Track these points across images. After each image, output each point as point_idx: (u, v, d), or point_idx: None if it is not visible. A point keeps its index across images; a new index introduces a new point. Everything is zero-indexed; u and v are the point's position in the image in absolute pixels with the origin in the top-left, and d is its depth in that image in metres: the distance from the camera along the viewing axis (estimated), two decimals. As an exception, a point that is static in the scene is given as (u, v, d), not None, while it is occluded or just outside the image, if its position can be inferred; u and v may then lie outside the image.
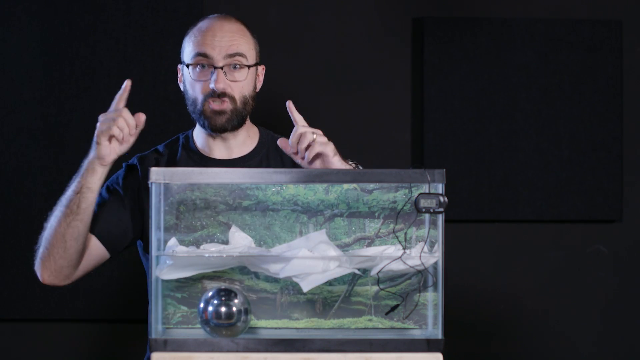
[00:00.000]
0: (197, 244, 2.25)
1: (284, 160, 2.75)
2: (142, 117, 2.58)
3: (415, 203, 2.12)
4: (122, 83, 3.83)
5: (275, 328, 2.25)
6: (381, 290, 2.24)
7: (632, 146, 3.98)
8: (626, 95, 3.97)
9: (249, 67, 2.67)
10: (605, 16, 3.95)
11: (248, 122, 2.78)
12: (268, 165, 2.74)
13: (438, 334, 2.18)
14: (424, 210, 2.12)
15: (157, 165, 2.82)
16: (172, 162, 2.79)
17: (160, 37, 3.84)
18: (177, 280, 2.24)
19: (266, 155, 2.76)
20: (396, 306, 2.23)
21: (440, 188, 2.15)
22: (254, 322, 2.24)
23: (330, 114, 3.86)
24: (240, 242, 2.24)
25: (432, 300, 2.23)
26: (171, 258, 2.22)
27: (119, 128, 2.57)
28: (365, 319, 2.26)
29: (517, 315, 3.94)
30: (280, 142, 2.57)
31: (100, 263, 2.76)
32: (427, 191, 2.14)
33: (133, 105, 3.85)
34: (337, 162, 2.50)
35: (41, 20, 3.80)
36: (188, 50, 2.72)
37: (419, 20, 3.91)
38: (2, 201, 3.79)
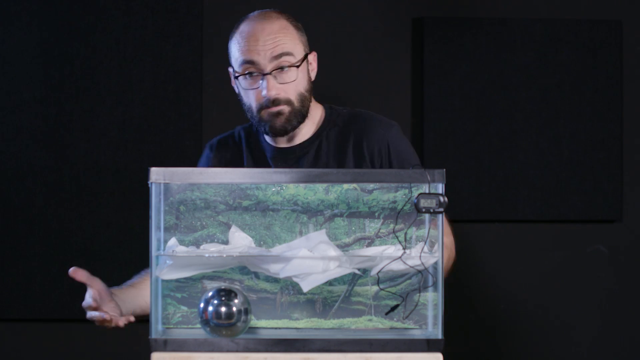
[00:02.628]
0: (197, 244, 2.25)
1: (338, 136, 2.70)
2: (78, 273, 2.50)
3: (415, 203, 2.12)
4: (122, 83, 3.84)
5: (275, 328, 2.25)
6: (381, 290, 2.24)
7: (632, 146, 3.97)
8: (626, 95, 3.97)
9: (297, 66, 2.63)
10: (605, 16, 3.95)
11: (312, 106, 2.72)
12: (327, 146, 2.69)
13: (438, 334, 2.18)
14: (424, 210, 2.12)
15: (227, 149, 2.78)
16: (241, 152, 2.74)
17: (160, 37, 3.83)
18: (177, 280, 2.24)
19: (326, 136, 2.71)
20: (396, 306, 2.23)
21: (440, 188, 2.14)
22: (254, 322, 2.24)
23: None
24: (240, 242, 2.24)
25: (432, 300, 2.23)
26: (171, 258, 2.22)
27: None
28: (365, 319, 2.26)
29: (517, 315, 3.94)
30: None
31: None
32: (427, 191, 2.14)
33: (133, 105, 3.86)
34: None
35: (41, 20, 3.80)
36: (235, 57, 2.66)
37: (419, 20, 3.91)
38: (2, 201, 3.79)
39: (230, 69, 2.72)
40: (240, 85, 2.66)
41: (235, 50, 2.66)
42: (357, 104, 3.91)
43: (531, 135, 3.91)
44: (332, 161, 2.69)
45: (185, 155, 3.81)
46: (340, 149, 2.71)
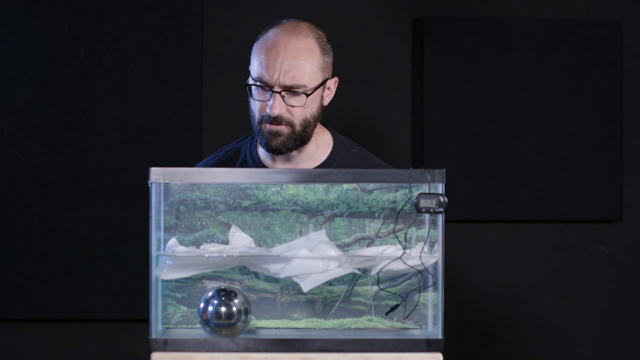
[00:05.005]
0: (197, 244, 2.25)
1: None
2: None
3: (415, 203, 2.12)
4: (122, 83, 3.84)
5: (275, 328, 2.25)
6: (381, 290, 2.24)
7: (632, 146, 3.98)
8: (626, 95, 3.97)
9: (307, 95, 2.56)
10: (605, 16, 3.95)
11: (318, 131, 2.67)
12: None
13: (438, 334, 2.18)
14: (424, 210, 2.12)
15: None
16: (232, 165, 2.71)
17: (160, 37, 3.84)
18: (177, 280, 2.24)
19: None
20: (396, 306, 2.23)
21: (440, 188, 2.15)
22: (254, 322, 2.24)
23: (330, 114, 3.85)
24: (240, 242, 2.24)
25: (432, 300, 2.23)
26: (171, 258, 2.22)
27: None
28: (365, 319, 2.26)
29: (517, 315, 3.94)
30: None
31: None
32: (427, 191, 2.14)
33: (133, 105, 3.86)
34: None
35: (41, 20, 3.80)
36: (253, 66, 2.60)
37: (419, 20, 3.91)
38: (2, 201, 3.79)
39: (250, 70, 2.65)
40: (250, 93, 2.61)
41: (255, 59, 2.60)
42: (357, 103, 3.91)
43: (531, 135, 3.92)
44: None
45: (185, 155, 3.81)
46: None
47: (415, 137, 3.92)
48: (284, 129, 2.57)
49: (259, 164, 2.70)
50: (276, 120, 2.56)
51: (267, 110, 2.56)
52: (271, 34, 2.59)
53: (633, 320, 3.98)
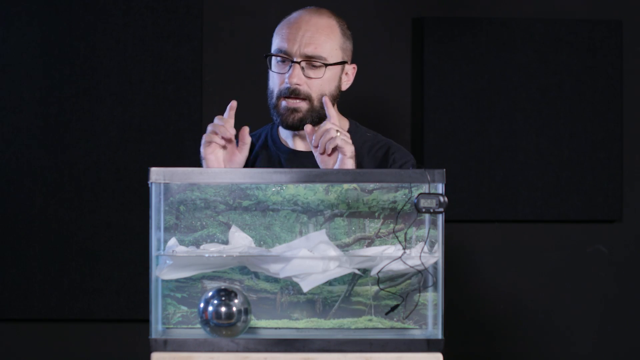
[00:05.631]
0: (197, 244, 2.25)
1: (368, 157, 2.68)
2: (244, 131, 2.53)
3: (415, 203, 2.12)
4: (122, 83, 3.84)
5: (275, 328, 2.25)
6: (381, 290, 2.24)
7: (632, 146, 3.98)
8: (626, 95, 3.97)
9: (326, 65, 2.59)
10: (605, 16, 3.95)
11: (337, 114, 2.68)
12: None
13: (438, 334, 2.18)
14: (424, 210, 2.12)
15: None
16: (253, 149, 2.71)
17: (160, 37, 3.84)
18: (177, 280, 2.24)
19: None
20: (396, 306, 2.23)
21: (440, 188, 2.15)
22: (254, 322, 2.24)
23: (330, 114, 3.85)
24: (240, 242, 2.24)
25: (432, 300, 2.23)
26: (171, 258, 2.22)
27: (213, 134, 2.50)
28: (365, 319, 2.26)
29: (517, 315, 3.94)
30: (307, 127, 2.53)
31: None
32: (427, 191, 2.14)
33: (133, 105, 3.86)
34: (349, 165, 2.46)
35: (41, 20, 3.80)
36: (274, 42, 2.64)
37: (419, 20, 3.91)
38: (2, 201, 3.79)
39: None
40: (270, 66, 2.64)
41: (277, 35, 2.64)
42: (357, 103, 3.91)
43: (531, 135, 3.92)
44: None
45: (185, 155, 3.81)
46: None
47: (415, 137, 3.92)
48: (301, 104, 2.59)
49: (278, 144, 2.71)
50: (294, 92, 2.58)
51: (286, 81, 2.58)
52: (294, 14, 2.66)
53: (633, 320, 3.98)
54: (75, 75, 3.82)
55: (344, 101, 3.90)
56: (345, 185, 2.25)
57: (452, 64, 3.89)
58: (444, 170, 2.15)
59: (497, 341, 3.95)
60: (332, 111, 2.53)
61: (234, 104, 2.55)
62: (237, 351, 2.13)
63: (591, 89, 3.93)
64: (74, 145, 3.81)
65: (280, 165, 2.68)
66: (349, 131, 2.69)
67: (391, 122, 3.92)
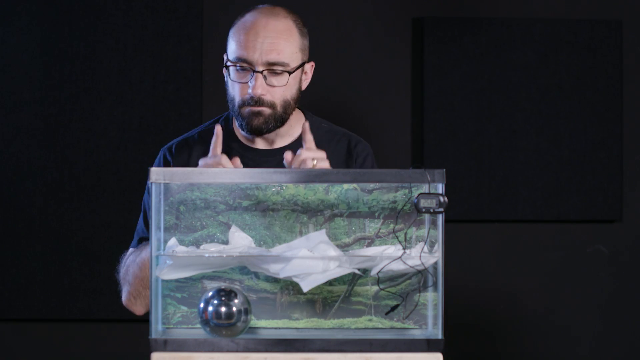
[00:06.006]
0: (197, 244, 2.25)
1: (329, 150, 2.64)
2: (237, 161, 2.48)
3: (415, 203, 2.12)
4: (122, 83, 3.84)
5: (275, 328, 2.25)
6: (381, 290, 2.24)
7: (632, 146, 3.98)
8: (626, 95, 3.97)
9: (289, 73, 2.56)
10: (605, 16, 3.95)
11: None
12: None
13: (438, 334, 2.18)
14: (424, 210, 2.12)
15: (191, 152, 2.70)
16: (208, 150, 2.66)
17: (160, 37, 3.84)
18: (177, 280, 2.24)
19: None
20: (396, 306, 2.23)
21: (440, 188, 2.14)
22: (254, 322, 2.24)
23: (330, 114, 3.85)
24: (240, 242, 2.24)
25: (432, 300, 2.23)
26: (171, 258, 2.22)
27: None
28: (365, 319, 2.25)
29: (517, 315, 3.94)
30: (286, 154, 2.51)
31: None
32: (427, 191, 2.14)
33: (133, 105, 3.86)
34: None
35: (41, 20, 3.80)
36: (231, 48, 2.59)
37: (419, 20, 3.91)
38: (2, 201, 3.79)
39: (225, 55, 2.65)
40: (229, 76, 2.59)
41: (233, 41, 2.59)
42: (357, 103, 3.91)
43: (531, 135, 3.92)
44: None
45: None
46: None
47: (415, 137, 3.92)
48: (265, 110, 2.56)
49: (235, 138, 2.69)
50: (258, 102, 2.54)
51: (249, 92, 2.54)
52: (248, 16, 2.60)
53: (633, 320, 3.98)
54: (75, 75, 3.82)
55: (345, 100, 3.91)
56: (345, 185, 2.24)
57: (452, 64, 3.89)
58: (444, 170, 2.15)
59: (497, 341, 3.95)
60: (308, 136, 2.50)
61: (219, 130, 2.50)
62: (237, 351, 2.13)
63: (591, 89, 3.93)
64: (74, 145, 3.81)
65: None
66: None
67: (391, 122, 3.92)
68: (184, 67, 3.84)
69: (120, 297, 2.78)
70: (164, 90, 3.84)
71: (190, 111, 3.84)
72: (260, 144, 2.67)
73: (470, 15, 3.92)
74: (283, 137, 2.67)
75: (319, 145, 2.63)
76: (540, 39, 3.92)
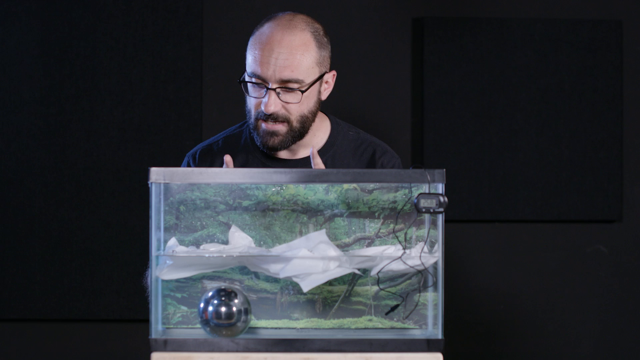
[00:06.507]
0: (197, 244, 2.25)
1: (350, 162, 2.65)
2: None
3: (415, 203, 2.12)
4: (122, 83, 3.84)
5: (275, 328, 2.25)
6: (381, 290, 2.24)
7: (632, 146, 3.98)
8: (626, 95, 3.97)
9: (302, 91, 2.52)
10: (605, 16, 3.95)
11: (317, 117, 2.63)
12: (333, 166, 2.63)
13: (438, 334, 2.18)
14: (424, 210, 2.12)
15: (214, 160, 2.68)
16: (236, 161, 2.65)
17: (160, 37, 3.84)
18: (177, 280, 2.24)
19: (332, 156, 2.65)
20: (396, 306, 2.23)
21: (440, 188, 2.14)
22: (254, 322, 2.24)
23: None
24: (240, 242, 2.24)
25: (432, 300, 2.23)
26: (171, 258, 2.22)
27: None
28: (365, 319, 2.25)
29: (517, 315, 3.94)
30: (313, 150, 2.49)
31: None
32: (427, 191, 2.14)
33: (133, 105, 3.86)
34: None
35: (41, 20, 3.80)
36: (248, 61, 2.55)
37: (419, 20, 3.91)
38: (2, 201, 3.79)
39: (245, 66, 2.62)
40: (245, 89, 2.57)
41: (250, 54, 2.55)
42: (357, 103, 3.91)
43: (531, 135, 3.92)
44: None
45: (185, 155, 3.81)
46: (350, 166, 2.65)
47: (415, 137, 3.92)
48: (280, 127, 2.54)
49: (260, 148, 2.66)
50: (272, 117, 2.53)
51: (262, 107, 2.52)
52: (266, 28, 2.55)
53: (633, 320, 3.98)
54: (75, 75, 3.82)
55: (345, 100, 3.91)
56: (345, 185, 2.24)
57: (452, 64, 3.89)
58: (444, 170, 2.15)
59: (497, 341, 3.95)
60: (317, 160, 2.49)
61: (228, 161, 2.48)
62: (237, 351, 2.13)
63: (591, 89, 3.93)
64: (74, 145, 3.81)
65: None
66: (331, 134, 2.67)
67: (391, 122, 3.92)
68: (184, 67, 3.84)
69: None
70: (164, 90, 3.84)
71: (190, 111, 3.84)
72: (282, 153, 2.65)
73: (470, 15, 3.92)
74: (306, 147, 2.64)
75: (343, 154, 2.63)
76: (540, 39, 3.92)
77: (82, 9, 3.81)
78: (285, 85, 2.51)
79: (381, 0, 3.93)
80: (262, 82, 2.52)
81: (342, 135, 2.69)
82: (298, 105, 2.54)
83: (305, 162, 2.64)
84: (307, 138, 2.63)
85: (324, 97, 2.63)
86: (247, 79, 2.56)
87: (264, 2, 3.89)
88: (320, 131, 2.67)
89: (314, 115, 2.60)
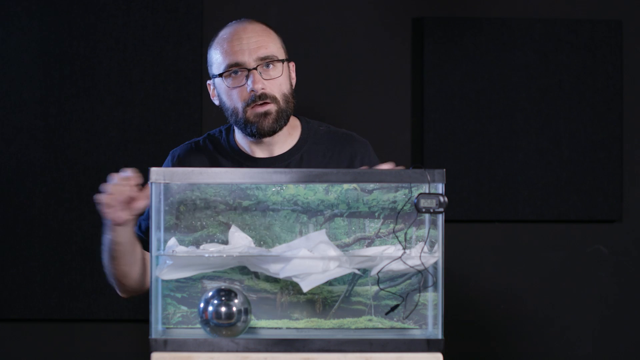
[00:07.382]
0: (197, 244, 2.25)
1: (325, 154, 2.70)
2: (128, 172, 2.49)
3: (415, 203, 2.12)
4: (122, 83, 3.84)
5: (275, 328, 2.25)
6: (381, 290, 2.24)
7: (632, 146, 3.98)
8: (626, 95, 3.97)
9: (282, 61, 2.62)
10: (605, 16, 3.95)
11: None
12: (308, 162, 2.68)
13: (438, 334, 2.18)
14: (424, 210, 2.12)
15: (197, 161, 2.73)
16: (214, 160, 2.71)
17: (160, 37, 3.84)
18: (177, 280, 2.24)
19: (307, 151, 2.70)
20: (396, 306, 2.23)
21: (440, 188, 2.15)
22: (254, 322, 2.24)
23: (330, 114, 3.86)
24: (240, 242, 2.24)
25: (432, 300, 2.23)
26: (171, 258, 2.22)
27: (108, 196, 2.46)
28: (365, 319, 2.26)
29: (517, 315, 3.94)
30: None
31: None
32: (427, 191, 2.14)
33: (133, 105, 3.86)
34: None
35: (41, 20, 3.80)
36: (218, 62, 2.65)
37: (419, 20, 3.91)
38: (2, 201, 3.79)
39: (210, 82, 2.71)
40: (224, 85, 2.63)
41: (218, 55, 2.64)
42: (357, 103, 3.91)
43: (531, 135, 3.92)
44: None
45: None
46: (323, 160, 2.68)
47: (415, 137, 3.92)
48: (270, 106, 2.61)
49: (236, 149, 2.71)
50: (261, 97, 2.59)
51: (250, 88, 2.58)
52: (224, 32, 2.67)
53: (633, 320, 3.98)
54: (75, 75, 3.82)
55: (345, 100, 3.91)
56: (345, 185, 2.25)
57: (452, 64, 3.90)
58: (444, 170, 2.15)
59: (497, 341, 3.95)
60: (383, 167, 2.43)
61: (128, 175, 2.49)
62: (237, 351, 2.13)
63: (591, 89, 3.93)
64: (74, 145, 3.81)
65: None
66: (302, 132, 2.73)
67: (391, 122, 3.92)
68: (184, 67, 3.84)
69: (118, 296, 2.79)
70: (164, 90, 3.84)
71: (190, 111, 3.84)
72: (259, 152, 2.69)
73: (470, 15, 3.92)
74: (282, 145, 2.70)
75: (323, 148, 2.66)
76: (540, 39, 3.92)
77: (82, 9, 3.81)
78: (264, 62, 2.60)
79: (381, 0, 3.93)
80: (240, 69, 2.60)
81: (313, 131, 2.75)
82: (279, 81, 2.61)
83: (281, 159, 2.68)
84: (282, 135, 2.68)
85: (293, 85, 2.70)
86: (224, 71, 2.62)
87: (264, 2, 3.90)
88: (294, 129, 2.73)
89: (292, 100, 2.67)
